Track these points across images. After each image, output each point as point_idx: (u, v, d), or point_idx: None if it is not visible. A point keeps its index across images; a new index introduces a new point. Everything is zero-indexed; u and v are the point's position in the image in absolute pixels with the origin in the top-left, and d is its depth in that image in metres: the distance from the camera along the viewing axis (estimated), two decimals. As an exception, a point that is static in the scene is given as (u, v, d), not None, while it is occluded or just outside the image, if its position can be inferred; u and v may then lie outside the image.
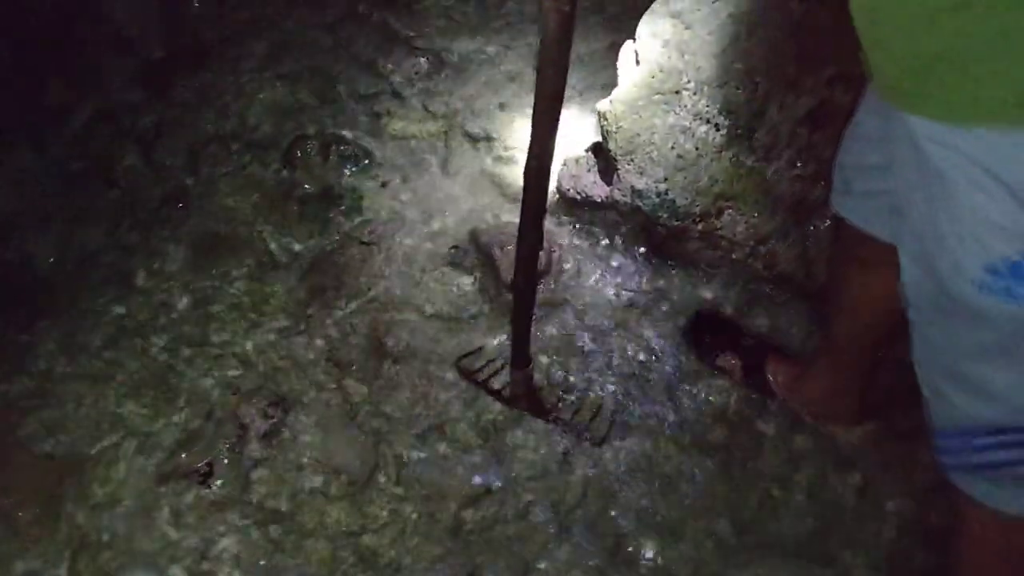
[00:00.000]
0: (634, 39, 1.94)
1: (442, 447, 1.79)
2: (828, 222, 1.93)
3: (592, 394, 1.85)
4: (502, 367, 1.86)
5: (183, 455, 1.74)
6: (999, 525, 1.08)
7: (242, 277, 2.06)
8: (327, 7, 2.69)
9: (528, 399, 1.77)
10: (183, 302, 2.01)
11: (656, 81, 1.87)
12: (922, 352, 1.06)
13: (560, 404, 1.82)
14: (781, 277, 1.98)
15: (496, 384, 1.84)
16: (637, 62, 1.91)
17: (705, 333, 1.90)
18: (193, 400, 1.83)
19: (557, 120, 1.29)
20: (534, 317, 1.64)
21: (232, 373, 1.88)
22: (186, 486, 1.71)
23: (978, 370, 0.97)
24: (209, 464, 1.70)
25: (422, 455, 1.78)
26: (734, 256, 1.98)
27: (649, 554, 1.66)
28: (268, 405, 1.81)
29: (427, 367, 1.90)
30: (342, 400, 1.85)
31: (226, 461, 1.71)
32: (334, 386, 1.87)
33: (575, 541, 1.65)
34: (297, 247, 2.12)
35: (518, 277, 1.55)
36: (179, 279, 2.05)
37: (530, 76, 2.52)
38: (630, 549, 1.65)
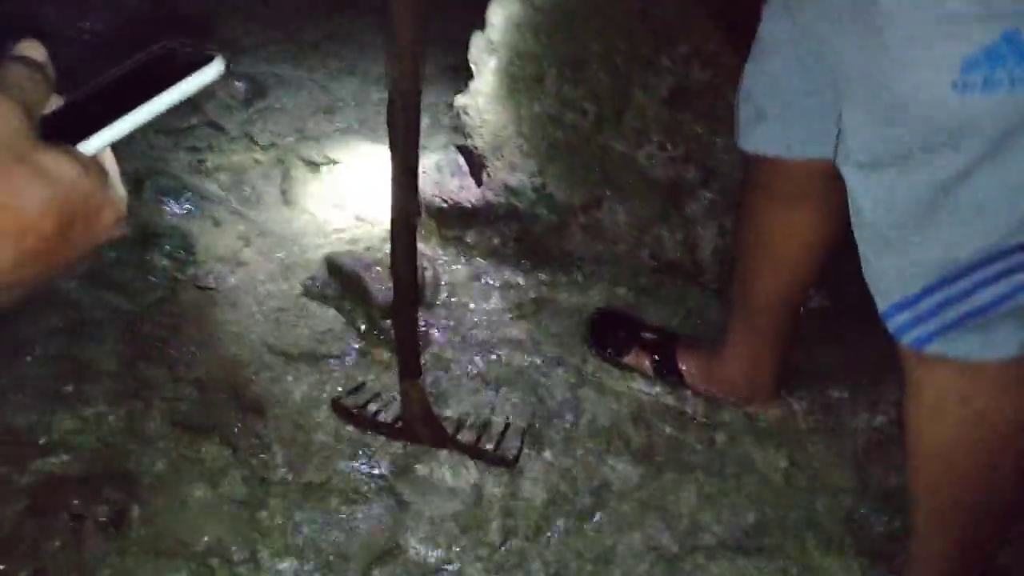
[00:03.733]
0: (483, 28, 1.80)
1: (334, 503, 1.50)
2: (706, 204, 1.87)
3: (494, 415, 1.64)
4: (388, 401, 1.62)
5: (-3, 570, 1.34)
6: (959, 387, 1.04)
7: (48, 344, 1.67)
8: (119, 36, 2.37)
9: (426, 423, 1.53)
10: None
11: (516, 68, 1.75)
12: (884, 216, 1.00)
13: (461, 430, 1.59)
14: (669, 266, 1.88)
15: (387, 419, 1.58)
16: (492, 50, 1.77)
17: (606, 333, 1.75)
18: (5, 496, 1.43)
19: (417, 121, 1.13)
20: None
21: (52, 460, 1.49)
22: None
23: (962, 197, 0.92)
24: (37, 572, 1.31)
25: (312, 517, 1.48)
26: (619, 248, 1.87)
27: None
28: (107, 488, 1.44)
29: (301, 416, 1.61)
30: (202, 469, 1.52)
31: (60, 563, 1.33)
32: (189, 454, 1.53)
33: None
34: (115, 300, 1.76)
35: (395, 269, 1.34)
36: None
37: (363, 94, 2.33)
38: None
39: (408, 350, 1.43)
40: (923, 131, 0.90)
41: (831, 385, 1.69)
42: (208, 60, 0.52)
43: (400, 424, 1.56)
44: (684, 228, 1.87)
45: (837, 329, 1.78)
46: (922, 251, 0.97)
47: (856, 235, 1.06)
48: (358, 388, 1.65)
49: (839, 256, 1.45)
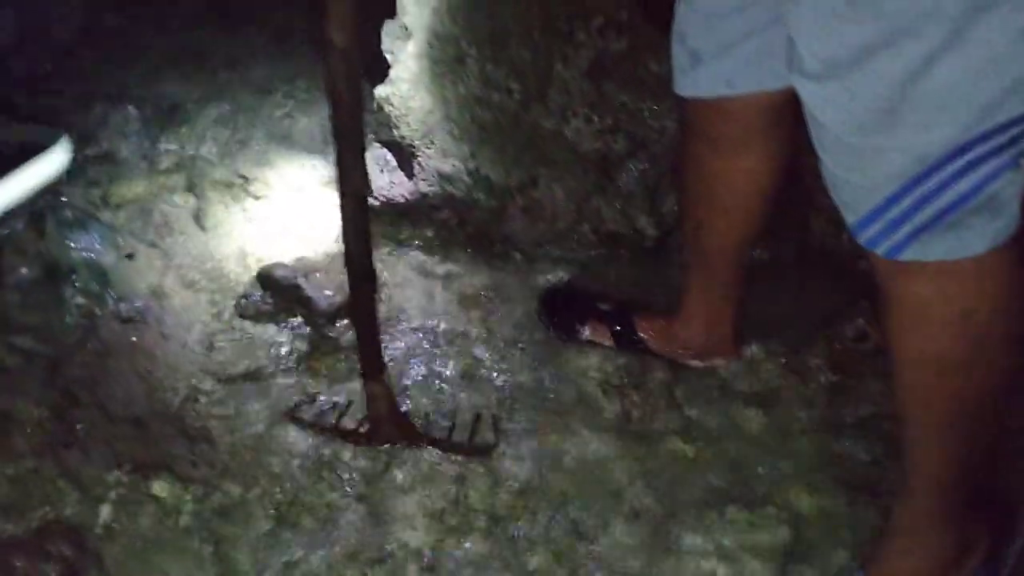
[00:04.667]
0: (392, 16, 1.75)
1: (307, 522, 1.40)
2: (638, 172, 1.86)
3: (459, 408, 1.58)
4: (349, 405, 1.53)
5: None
6: (939, 289, 1.03)
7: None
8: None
9: (393, 423, 1.45)
10: None
11: (435, 51, 1.69)
12: (847, 123, 0.98)
13: (429, 425, 1.52)
14: (611, 236, 1.86)
15: (349, 424, 1.50)
16: (405, 36, 1.72)
17: (560, 311, 1.71)
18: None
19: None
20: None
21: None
22: None
23: (925, 89, 0.90)
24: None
25: (285, 540, 1.37)
26: (559, 226, 1.84)
27: (590, 564, 1.40)
28: (55, 545, 1.30)
29: (254, 439, 1.51)
30: (156, 508, 1.39)
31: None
32: (139, 495, 1.40)
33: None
34: (29, 344, 1.61)
35: (349, 259, 1.27)
36: None
37: (262, 105, 2.22)
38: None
39: (369, 348, 1.35)
40: (884, 21, 0.88)
41: (786, 330, 1.70)
42: (49, 141, 0.41)
43: (367, 427, 1.47)
44: (620, 199, 1.85)
45: (777, 278, 1.80)
46: (887, 155, 0.96)
47: (819, 152, 1.05)
48: (312, 400, 1.56)
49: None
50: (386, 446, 1.48)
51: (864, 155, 0.98)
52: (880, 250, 1.03)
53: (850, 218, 1.05)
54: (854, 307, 1.65)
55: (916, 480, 1.18)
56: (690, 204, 1.49)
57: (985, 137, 0.91)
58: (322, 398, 1.57)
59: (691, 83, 1.28)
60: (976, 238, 0.99)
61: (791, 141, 1.36)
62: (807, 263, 1.82)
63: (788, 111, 1.25)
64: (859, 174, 1.00)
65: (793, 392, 1.61)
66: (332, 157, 1.21)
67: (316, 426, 1.50)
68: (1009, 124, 0.90)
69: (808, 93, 1.00)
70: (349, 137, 1.13)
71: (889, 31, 0.88)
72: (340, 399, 1.56)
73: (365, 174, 1.17)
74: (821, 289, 1.74)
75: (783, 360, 1.65)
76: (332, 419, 1.51)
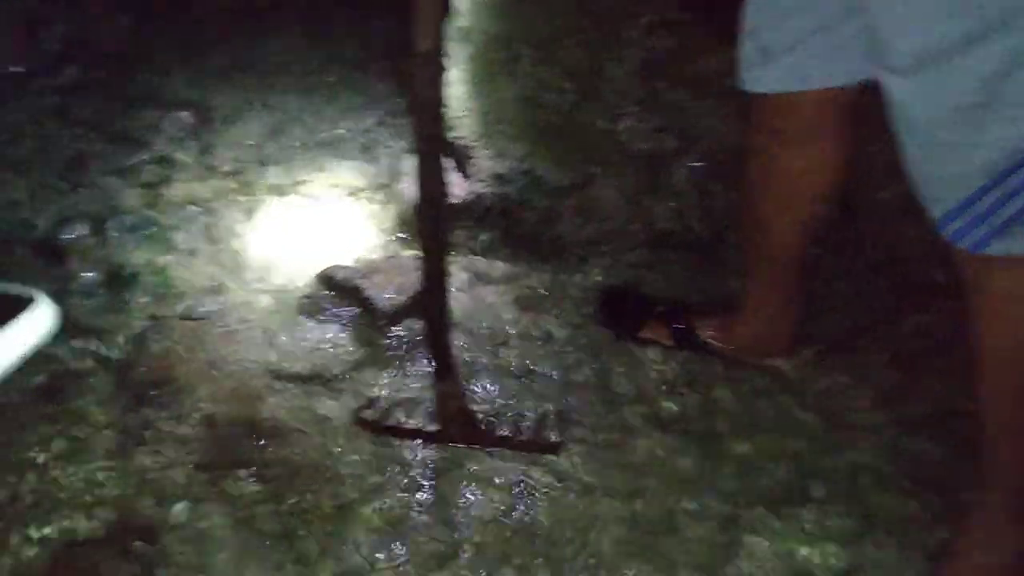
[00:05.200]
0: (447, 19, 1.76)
1: (377, 523, 1.42)
2: (690, 170, 1.87)
3: (521, 408, 1.59)
4: (413, 405, 1.55)
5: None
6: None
7: (32, 404, 1.54)
8: (49, 83, 2.23)
9: (462, 423, 1.46)
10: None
11: (490, 52, 1.71)
12: (937, 118, 0.98)
13: (495, 426, 1.53)
14: (663, 235, 1.87)
15: (415, 424, 1.51)
16: (463, 38, 1.73)
17: (617, 311, 1.72)
18: (20, 571, 1.29)
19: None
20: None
21: (66, 524, 1.37)
22: None
23: (1018, 83, 0.90)
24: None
25: (357, 541, 1.39)
26: (612, 226, 1.85)
27: (656, 562, 1.41)
28: (132, 544, 1.32)
29: (324, 437, 1.52)
30: (230, 509, 1.41)
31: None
32: (212, 495, 1.42)
33: None
34: (97, 347, 1.64)
35: (423, 264, 1.28)
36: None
37: (311, 112, 2.24)
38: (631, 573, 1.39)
39: (441, 348, 1.36)
40: (980, 15, 0.88)
41: (846, 326, 1.69)
42: (24, 304, 0.40)
43: (434, 427, 1.48)
44: (672, 198, 1.86)
45: (833, 275, 1.79)
46: (977, 149, 0.96)
47: (904, 146, 1.04)
48: (375, 400, 1.57)
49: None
50: (454, 446, 1.48)
51: (953, 149, 0.98)
52: (966, 244, 1.03)
53: (935, 212, 1.05)
54: (917, 303, 1.65)
55: (996, 478, 1.18)
56: (754, 199, 1.48)
57: None
58: (386, 397, 1.58)
59: (760, 78, 1.28)
60: None
61: (856, 137, 1.36)
62: (861, 259, 1.81)
63: (855, 107, 1.26)
64: (947, 168, 1.00)
65: (854, 390, 1.60)
66: (410, 161, 1.22)
67: (383, 426, 1.51)
68: None
69: (896, 87, 1.00)
70: (431, 141, 1.15)
71: (984, 25, 0.88)
72: (403, 399, 1.58)
73: (444, 179, 1.18)
74: (878, 285, 1.74)
75: (842, 357, 1.65)
76: (398, 419, 1.52)
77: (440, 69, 1.09)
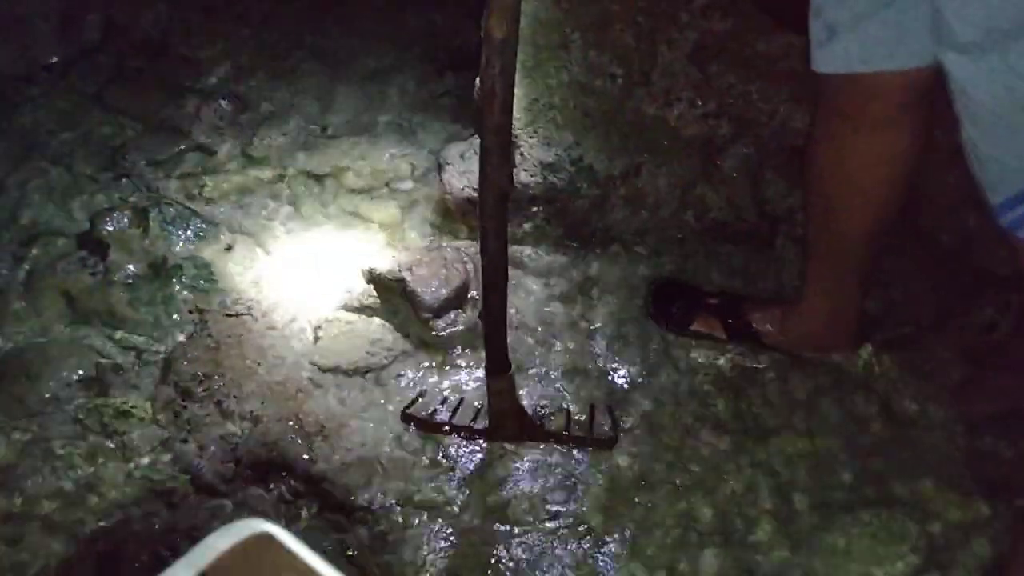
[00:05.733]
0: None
1: (426, 519, 1.39)
2: (742, 157, 1.80)
3: (569, 402, 1.54)
4: (460, 402, 1.51)
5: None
6: None
7: (77, 398, 1.52)
8: (88, 73, 2.21)
9: (515, 418, 1.42)
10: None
11: (539, 38, 1.65)
12: (1006, 99, 0.93)
13: (544, 420, 1.49)
14: (714, 225, 1.81)
15: (465, 420, 1.47)
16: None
17: (669, 303, 1.67)
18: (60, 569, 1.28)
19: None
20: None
21: (105, 524, 1.35)
22: None
23: None
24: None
25: (403, 538, 1.36)
26: (662, 215, 1.79)
27: (710, 560, 1.36)
28: (176, 540, 1.30)
29: (369, 432, 1.49)
30: (275, 505, 1.39)
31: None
32: (258, 491, 1.40)
33: None
34: (141, 341, 1.62)
35: (484, 258, 1.24)
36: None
37: (347, 98, 2.20)
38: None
39: (496, 343, 1.33)
40: None
41: (910, 321, 1.63)
42: None
43: (484, 423, 1.45)
44: (724, 185, 1.80)
45: (893, 266, 1.72)
46: None
47: (967, 129, 0.99)
48: (421, 395, 1.54)
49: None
50: (504, 442, 1.45)
51: (1015, 134, 0.93)
52: (1022, 234, 0.98)
53: (993, 199, 1.01)
54: (982, 296, 1.58)
55: None
56: (823, 185, 1.41)
57: None
58: (433, 392, 1.55)
59: (827, 57, 1.22)
60: None
61: (929, 123, 1.29)
62: (924, 250, 1.74)
63: (928, 92, 1.20)
64: (1007, 154, 0.96)
65: (916, 386, 1.54)
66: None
67: (431, 423, 1.48)
68: None
69: (960, 67, 0.96)
70: (499, 133, 1.10)
71: None
72: (449, 394, 1.54)
73: (510, 172, 1.13)
74: (942, 278, 1.67)
75: (907, 353, 1.59)
76: (446, 416, 1.48)
77: (513, 58, 1.05)
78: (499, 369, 1.37)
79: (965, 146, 1.02)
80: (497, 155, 1.12)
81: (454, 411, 1.49)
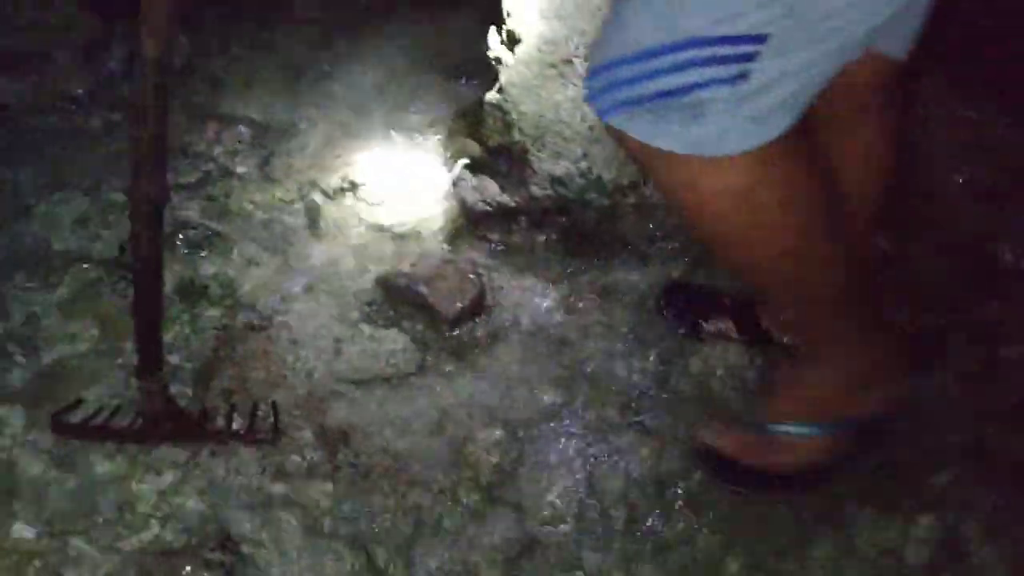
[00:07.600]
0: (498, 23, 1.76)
1: (449, 525, 1.43)
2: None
3: (584, 410, 1.59)
4: (118, 408, 1.53)
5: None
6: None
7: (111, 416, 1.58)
8: (112, 102, 2.29)
9: (170, 417, 1.48)
10: (36, 469, 1.50)
11: (544, 54, 1.71)
12: None
13: (208, 418, 1.54)
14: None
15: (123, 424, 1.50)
16: (512, 41, 1.73)
17: (681, 305, 1.70)
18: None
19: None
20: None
21: (144, 536, 1.41)
22: None
23: None
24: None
25: (430, 543, 1.41)
26: (671, 221, 1.83)
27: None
28: (210, 551, 1.36)
29: (392, 439, 1.55)
30: (304, 515, 1.44)
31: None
32: (288, 501, 1.45)
33: None
34: (172, 359, 1.67)
35: (137, 263, 1.34)
36: (20, 440, 1.53)
37: (366, 122, 2.26)
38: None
39: (148, 345, 1.40)
40: None
41: (921, 314, 1.65)
42: None
43: (140, 424, 1.49)
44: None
45: (903, 260, 1.74)
46: (637, 19, 0.93)
47: None
48: (79, 402, 1.56)
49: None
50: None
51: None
52: (593, 105, 1.02)
53: (588, 64, 1.04)
54: (991, 289, 1.60)
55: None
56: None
57: (722, 40, 0.89)
58: (452, 403, 1.59)
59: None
60: (672, 135, 0.96)
61: (899, 124, 1.32)
62: (934, 244, 1.76)
63: (892, 93, 1.22)
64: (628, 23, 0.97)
65: (932, 381, 1.56)
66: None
67: (84, 429, 1.49)
68: (744, 38, 0.89)
69: None
70: (152, 144, 1.17)
71: None
72: (457, 404, 1.59)
73: (164, 181, 1.24)
74: (952, 271, 1.69)
75: (918, 347, 1.60)
76: (100, 419, 1.51)
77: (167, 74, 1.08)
78: (150, 370, 1.42)
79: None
80: (151, 166, 1.17)
81: (111, 415, 1.52)
